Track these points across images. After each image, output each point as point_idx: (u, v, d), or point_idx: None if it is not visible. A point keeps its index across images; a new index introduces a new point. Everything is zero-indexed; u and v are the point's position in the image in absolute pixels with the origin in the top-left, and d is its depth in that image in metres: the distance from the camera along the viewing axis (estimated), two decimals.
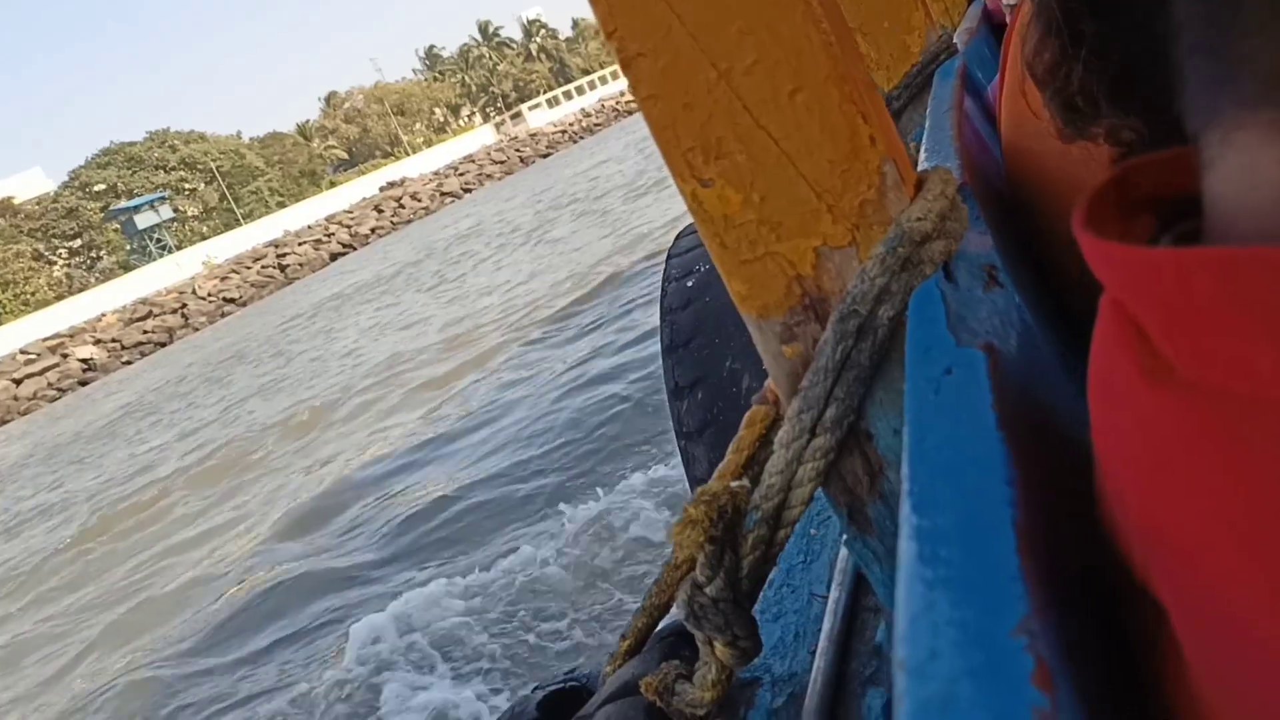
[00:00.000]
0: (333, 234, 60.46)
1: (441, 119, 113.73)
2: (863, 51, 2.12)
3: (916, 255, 0.64)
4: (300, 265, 56.29)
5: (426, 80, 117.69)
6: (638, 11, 0.63)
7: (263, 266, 55.89)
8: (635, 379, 7.47)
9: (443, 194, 66.09)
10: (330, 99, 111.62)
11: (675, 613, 0.95)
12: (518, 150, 72.24)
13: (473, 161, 71.16)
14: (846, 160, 0.64)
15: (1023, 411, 0.44)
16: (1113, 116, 0.73)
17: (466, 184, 66.97)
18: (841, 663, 0.76)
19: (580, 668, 1.07)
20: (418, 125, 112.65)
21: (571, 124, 77.48)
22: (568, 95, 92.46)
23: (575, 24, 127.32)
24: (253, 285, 52.69)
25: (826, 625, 0.81)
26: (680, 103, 0.65)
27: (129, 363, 42.12)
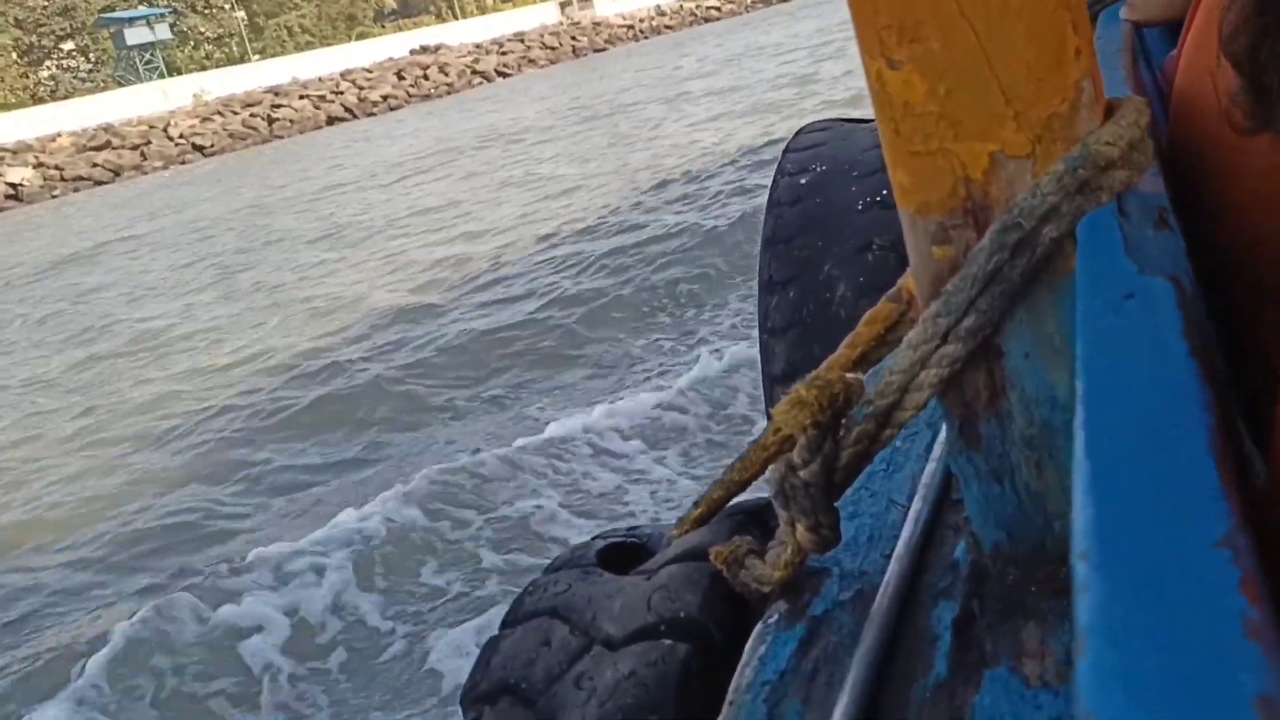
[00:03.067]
0: (341, 92, 53.52)
1: None
2: None
3: (1096, 180, 0.62)
4: (291, 123, 49.39)
5: None
6: None
7: (251, 114, 49.17)
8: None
9: (474, 72, 58.59)
10: None
11: (753, 493, 0.96)
12: (573, 39, 64.49)
13: (521, 41, 63.41)
14: (1047, 69, 0.61)
15: (1202, 345, 0.43)
16: None
17: (505, 66, 59.60)
18: (916, 572, 0.77)
19: (642, 528, 1.09)
20: None
21: (642, 20, 69.55)
22: None
23: None
24: (230, 135, 46.13)
25: (906, 533, 0.81)
26: None
27: (57, 195, 36.52)
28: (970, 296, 0.65)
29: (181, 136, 43.98)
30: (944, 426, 0.78)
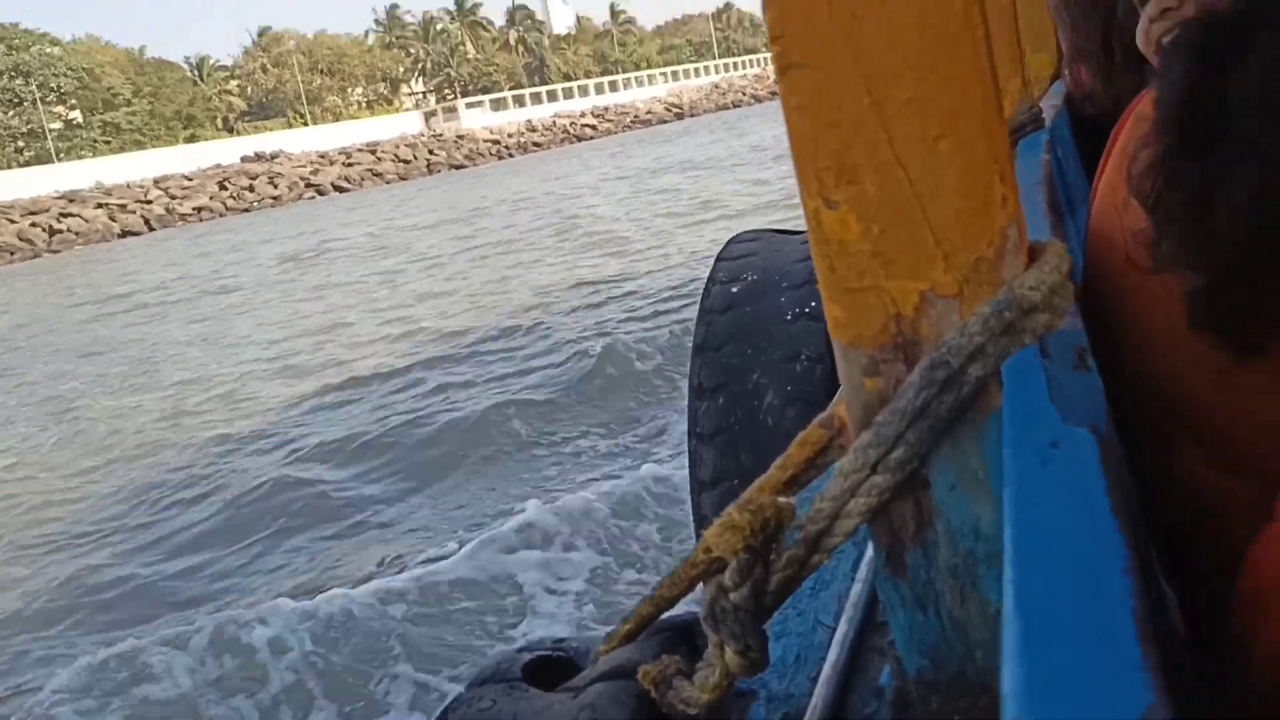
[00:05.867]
0: (149, 202, 46.71)
1: (385, 91, 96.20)
2: None
3: (1020, 323, 0.65)
4: (76, 235, 42.61)
5: (376, 43, 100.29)
6: (809, 22, 0.64)
7: (32, 224, 42.05)
8: None
9: (309, 184, 52.18)
10: (263, 36, 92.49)
11: (679, 612, 0.96)
12: (431, 152, 58.99)
13: (372, 152, 57.98)
14: (974, 214, 0.64)
15: (1123, 500, 0.45)
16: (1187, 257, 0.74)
17: (347, 179, 53.44)
18: (842, 695, 0.77)
19: (569, 641, 1.08)
20: (357, 91, 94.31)
21: (510, 134, 64.47)
22: (519, 101, 77.88)
23: (578, 22, 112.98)
24: None
25: (831, 656, 0.81)
26: (826, 120, 0.65)
27: None
28: (899, 429, 0.67)
29: None
30: (870, 550, 0.79)
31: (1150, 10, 1.48)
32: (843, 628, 0.86)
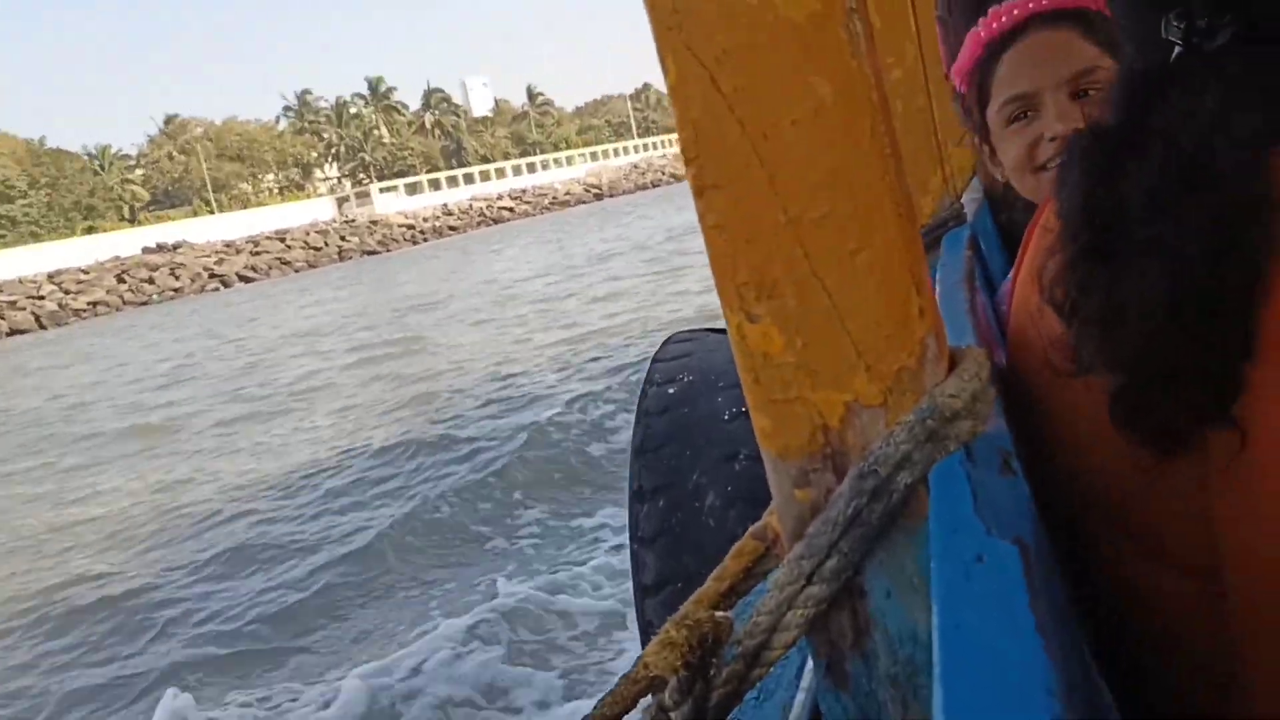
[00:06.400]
0: (41, 297, 44.33)
1: (297, 177, 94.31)
2: None
3: (944, 430, 0.65)
4: None
5: (287, 129, 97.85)
6: (722, 145, 0.65)
7: None
8: None
9: (212, 275, 49.96)
10: (169, 123, 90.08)
11: None
12: (342, 239, 56.63)
13: (281, 240, 55.49)
14: (894, 326, 0.66)
15: (1048, 612, 0.45)
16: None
17: (253, 268, 50.99)
18: None
19: None
20: (268, 178, 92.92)
21: (426, 219, 62.89)
22: (434, 185, 76.05)
23: (496, 104, 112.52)
24: None
25: None
26: (744, 237, 0.67)
27: None
28: (833, 539, 0.67)
29: None
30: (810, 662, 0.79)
31: (1014, 152, 1.55)
32: None
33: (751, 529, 0.83)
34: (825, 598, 0.69)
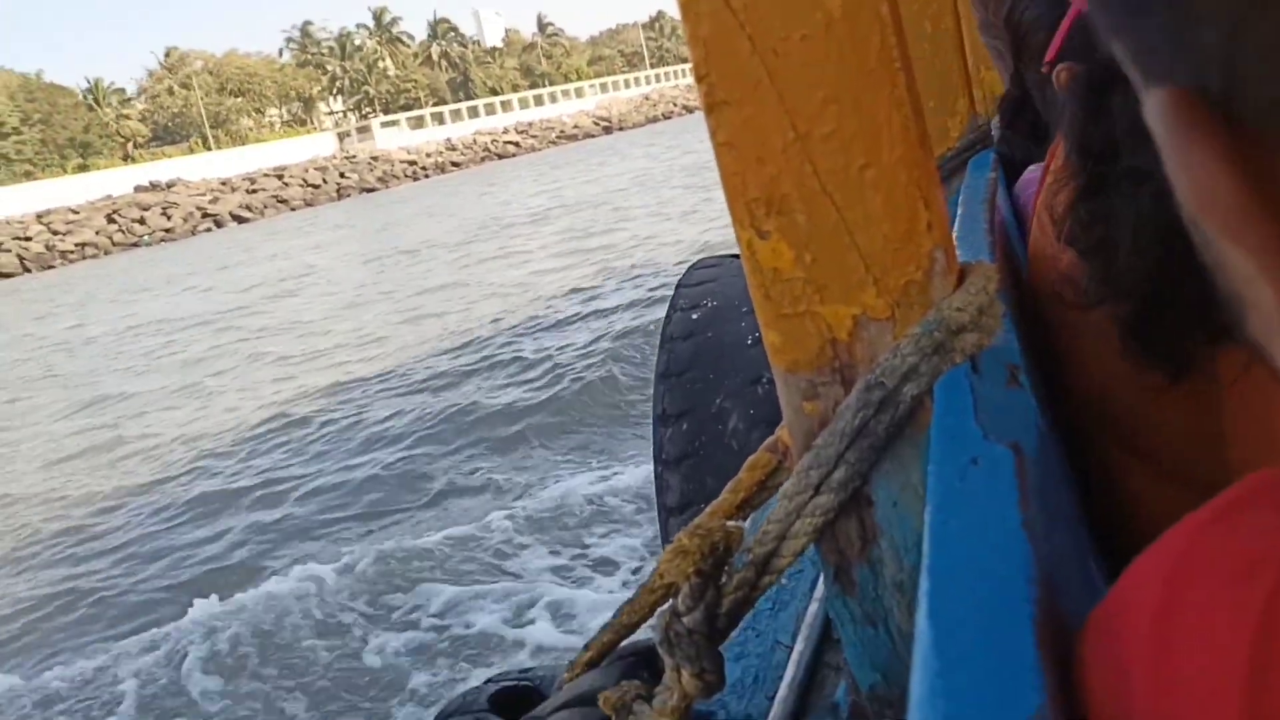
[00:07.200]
0: (28, 239, 42.26)
1: (300, 111, 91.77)
2: None
3: (950, 342, 0.67)
4: None
5: (291, 62, 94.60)
6: (732, 61, 0.66)
7: None
8: None
9: (205, 215, 47.52)
10: (169, 56, 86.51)
11: (643, 635, 0.97)
12: (341, 175, 54.16)
13: (279, 177, 52.94)
14: (901, 240, 0.67)
15: (1039, 512, 0.47)
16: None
17: (248, 207, 48.59)
18: (798, 714, 0.79)
19: (535, 670, 1.09)
20: (271, 113, 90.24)
21: (429, 155, 60.35)
22: (439, 119, 72.88)
23: (506, 34, 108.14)
24: None
25: (788, 675, 0.83)
26: (754, 155, 0.67)
27: None
28: (840, 450, 0.69)
29: None
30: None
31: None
32: (799, 647, 0.87)
33: (765, 443, 0.85)
34: (833, 507, 0.70)
